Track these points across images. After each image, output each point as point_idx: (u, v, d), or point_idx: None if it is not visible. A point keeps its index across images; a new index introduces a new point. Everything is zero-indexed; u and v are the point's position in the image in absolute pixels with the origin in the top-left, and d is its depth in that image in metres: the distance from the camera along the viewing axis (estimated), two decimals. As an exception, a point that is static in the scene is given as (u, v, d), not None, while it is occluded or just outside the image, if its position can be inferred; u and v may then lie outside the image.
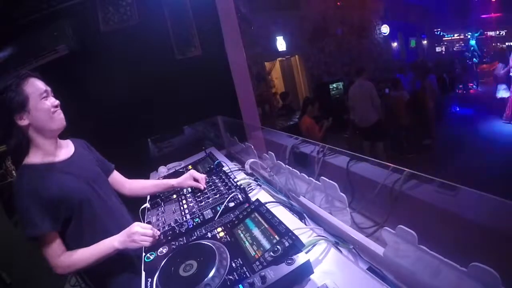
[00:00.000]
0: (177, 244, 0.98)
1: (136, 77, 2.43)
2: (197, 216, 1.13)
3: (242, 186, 1.25)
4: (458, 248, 0.69)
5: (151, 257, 0.94)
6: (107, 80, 2.39)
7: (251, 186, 1.41)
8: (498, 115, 5.81)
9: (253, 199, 1.16)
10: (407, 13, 11.18)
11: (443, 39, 13.89)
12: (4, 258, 2.09)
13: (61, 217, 1.06)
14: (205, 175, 1.45)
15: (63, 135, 1.17)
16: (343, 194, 1.01)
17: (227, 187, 1.32)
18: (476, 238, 0.73)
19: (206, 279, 0.74)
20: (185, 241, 0.99)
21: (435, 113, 5.59)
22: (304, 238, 0.85)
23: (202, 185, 1.38)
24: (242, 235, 0.91)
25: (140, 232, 1.00)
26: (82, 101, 2.23)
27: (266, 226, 0.88)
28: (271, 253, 0.76)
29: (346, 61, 8.50)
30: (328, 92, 7.52)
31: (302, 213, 1.13)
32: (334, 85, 7.61)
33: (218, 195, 1.27)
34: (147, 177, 2.05)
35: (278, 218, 0.88)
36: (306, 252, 0.84)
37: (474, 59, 10.97)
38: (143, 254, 0.98)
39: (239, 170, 1.69)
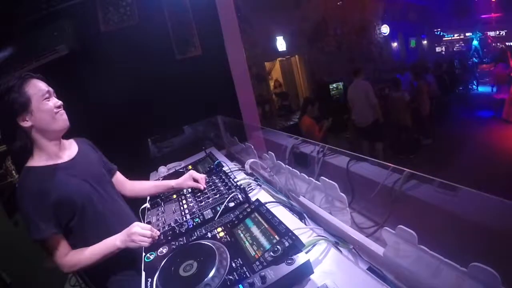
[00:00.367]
0: (177, 244, 0.98)
1: (136, 77, 2.43)
2: (197, 216, 1.12)
3: (242, 186, 1.25)
4: (458, 248, 0.69)
5: (151, 257, 0.94)
6: (107, 80, 2.38)
7: (251, 186, 1.41)
8: (497, 115, 5.82)
9: (253, 199, 1.16)
10: (407, 13, 11.18)
11: (443, 39, 13.88)
12: (4, 258, 2.09)
13: (65, 219, 1.06)
14: (205, 175, 1.45)
15: (65, 135, 1.18)
16: (343, 194, 1.01)
17: (227, 187, 1.32)
18: (476, 238, 0.73)
19: (206, 279, 0.74)
20: (185, 241, 0.99)
21: (433, 113, 5.60)
22: (304, 238, 0.85)
23: (202, 185, 1.38)
24: (242, 235, 0.91)
25: (139, 233, 1.01)
26: (82, 101, 2.23)
27: (266, 226, 0.88)
28: (271, 253, 0.76)
29: (346, 61, 8.50)
30: (328, 92, 7.53)
31: (302, 213, 1.13)
32: (334, 85, 7.62)
33: (218, 195, 1.27)
34: (147, 177, 2.05)
35: (278, 218, 0.88)
36: (306, 252, 0.84)
37: (474, 59, 10.97)
38: (143, 254, 0.98)
39: (239, 170, 1.69)
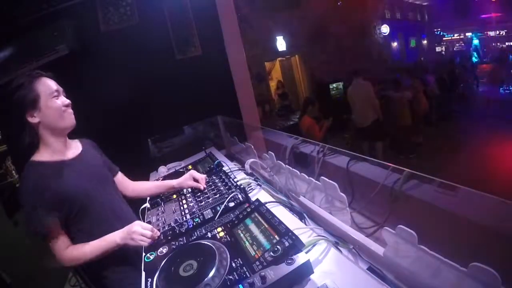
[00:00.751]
0: (177, 244, 0.98)
1: (136, 77, 2.43)
2: (197, 216, 1.13)
3: (242, 186, 1.25)
4: (458, 248, 0.69)
5: (151, 257, 0.94)
6: (107, 80, 2.38)
7: (251, 186, 1.41)
8: (498, 114, 5.83)
9: (253, 199, 1.16)
10: (407, 13, 11.18)
11: (443, 39, 13.89)
12: (4, 258, 2.09)
13: (66, 213, 1.09)
14: (205, 175, 1.46)
15: (69, 135, 1.20)
16: (343, 194, 1.01)
17: (227, 187, 1.32)
18: (476, 238, 0.73)
19: (206, 279, 0.74)
20: (185, 241, 0.99)
21: (428, 112, 5.62)
22: (304, 238, 0.85)
23: (202, 185, 1.38)
24: (242, 235, 0.91)
25: (139, 232, 1.02)
26: (81, 101, 2.19)
27: (266, 226, 0.88)
28: (271, 253, 0.76)
29: (346, 61, 8.50)
30: (328, 92, 7.53)
31: (302, 213, 1.13)
32: (334, 85, 7.62)
33: (218, 195, 1.27)
34: (147, 177, 2.05)
35: (278, 218, 0.88)
36: (306, 252, 0.84)
37: (474, 59, 10.98)
38: (143, 254, 0.98)
39: (239, 170, 1.69)
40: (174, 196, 1.42)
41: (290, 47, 7.61)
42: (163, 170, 2.03)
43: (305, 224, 1.05)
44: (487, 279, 0.56)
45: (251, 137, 2.20)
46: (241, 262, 0.79)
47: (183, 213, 1.22)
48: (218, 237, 0.95)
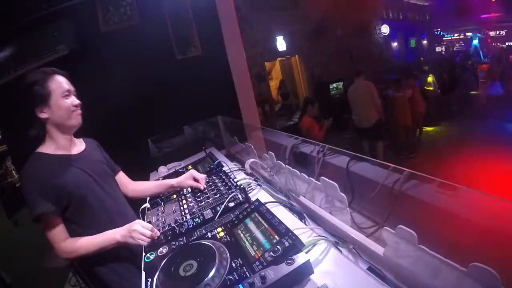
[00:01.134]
0: (177, 244, 0.98)
1: (136, 77, 2.43)
2: (197, 216, 1.12)
3: (242, 186, 1.25)
4: (458, 248, 0.69)
5: (151, 257, 0.94)
6: (107, 80, 2.38)
7: (251, 186, 1.41)
8: (497, 114, 5.83)
9: (253, 199, 1.16)
10: (407, 13, 11.18)
11: (443, 39, 13.89)
12: (4, 258, 2.09)
13: (65, 206, 1.11)
14: (205, 175, 1.46)
15: (75, 134, 1.24)
16: (343, 194, 1.01)
17: (227, 187, 1.32)
18: (476, 238, 0.73)
19: (206, 279, 0.74)
20: (185, 241, 0.99)
21: (427, 112, 5.63)
22: (304, 238, 0.85)
23: (202, 185, 1.38)
24: (242, 235, 0.91)
25: (139, 231, 1.02)
26: (82, 101, 2.21)
27: (266, 226, 0.88)
28: (271, 253, 0.76)
29: (346, 61, 8.50)
30: (328, 92, 7.52)
31: (302, 213, 1.13)
32: (334, 85, 7.61)
33: (218, 195, 1.27)
34: (147, 177, 2.05)
35: (278, 218, 0.88)
36: (306, 252, 0.84)
37: (474, 58, 10.98)
38: (143, 254, 0.98)
39: (239, 170, 1.69)
40: (174, 196, 1.42)
41: (290, 47, 7.59)
42: (163, 170, 2.03)
43: (305, 224, 1.05)
44: (487, 279, 0.56)
45: (251, 137, 2.20)
46: (241, 262, 0.79)
47: (183, 213, 1.21)
48: (218, 237, 0.95)
